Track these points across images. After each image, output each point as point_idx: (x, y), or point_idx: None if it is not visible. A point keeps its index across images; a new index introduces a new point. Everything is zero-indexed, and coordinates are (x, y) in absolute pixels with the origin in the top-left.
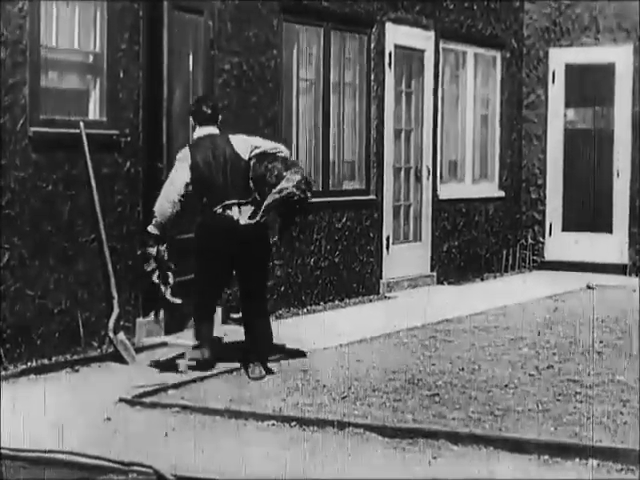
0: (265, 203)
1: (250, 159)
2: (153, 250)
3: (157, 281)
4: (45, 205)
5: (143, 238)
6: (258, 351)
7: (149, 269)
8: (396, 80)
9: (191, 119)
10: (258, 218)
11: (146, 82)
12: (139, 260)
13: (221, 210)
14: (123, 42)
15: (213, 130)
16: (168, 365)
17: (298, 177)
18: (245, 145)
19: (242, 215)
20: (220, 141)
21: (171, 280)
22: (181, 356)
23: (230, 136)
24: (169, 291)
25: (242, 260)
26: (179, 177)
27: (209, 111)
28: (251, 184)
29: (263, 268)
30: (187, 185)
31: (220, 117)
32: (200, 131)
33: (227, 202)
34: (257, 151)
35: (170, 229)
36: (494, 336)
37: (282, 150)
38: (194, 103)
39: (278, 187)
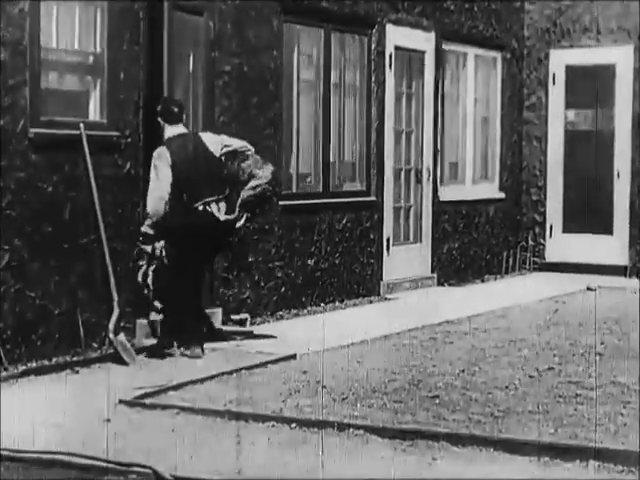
0: (240, 199)
1: (221, 156)
2: (149, 248)
3: (140, 279)
4: (45, 206)
5: (137, 237)
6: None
7: (141, 263)
8: (396, 81)
9: (159, 119)
10: (237, 214)
11: (146, 83)
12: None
13: (202, 207)
14: (123, 43)
15: (182, 129)
16: (156, 351)
17: (269, 175)
18: (215, 143)
19: (220, 211)
20: (192, 139)
21: (150, 282)
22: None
23: (200, 134)
24: (146, 291)
25: (217, 252)
26: (165, 176)
27: (177, 110)
28: (226, 183)
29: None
30: (171, 183)
31: (185, 115)
32: (171, 130)
33: (208, 199)
34: (227, 149)
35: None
36: (494, 338)
37: (250, 148)
38: (161, 103)
39: (251, 184)
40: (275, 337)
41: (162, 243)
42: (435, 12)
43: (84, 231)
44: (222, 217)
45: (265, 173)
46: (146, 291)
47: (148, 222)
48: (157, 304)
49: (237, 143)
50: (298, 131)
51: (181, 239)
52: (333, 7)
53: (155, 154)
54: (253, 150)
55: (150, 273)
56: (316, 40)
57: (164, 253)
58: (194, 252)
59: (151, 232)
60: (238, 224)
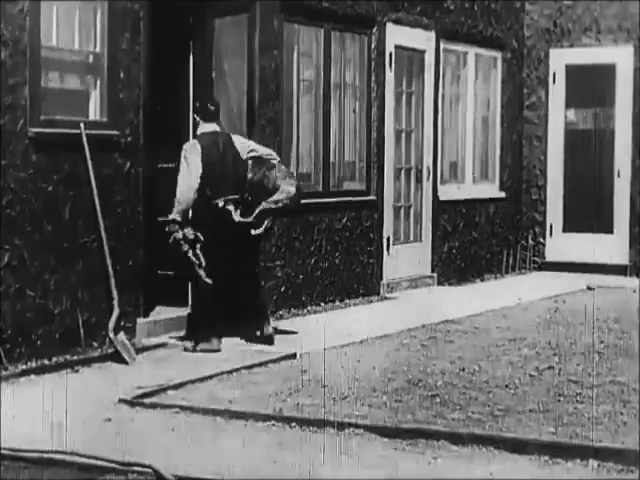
0: (260, 208)
1: (247, 159)
2: (180, 234)
3: (194, 259)
4: (45, 205)
5: (166, 225)
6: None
7: (185, 249)
8: (397, 81)
9: (195, 116)
10: (251, 219)
11: (146, 82)
12: (140, 260)
13: (222, 204)
14: (123, 42)
15: (216, 127)
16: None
17: (293, 190)
18: (243, 146)
19: (236, 211)
20: (224, 138)
21: (202, 260)
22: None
23: (232, 135)
24: (203, 272)
25: (234, 252)
26: (195, 166)
27: (213, 108)
28: (247, 185)
29: (252, 260)
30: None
31: (220, 115)
32: (205, 127)
33: (229, 197)
34: (253, 154)
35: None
36: (494, 337)
37: (275, 157)
38: (199, 100)
39: (274, 197)
40: (297, 332)
41: (190, 229)
42: (435, 11)
43: (84, 230)
44: (237, 218)
45: (288, 187)
46: (197, 269)
47: (177, 208)
48: (209, 280)
49: (263, 150)
50: (298, 130)
51: (201, 230)
52: (333, 6)
53: (186, 146)
54: (279, 159)
55: (199, 252)
56: (316, 39)
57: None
58: (212, 246)
59: (179, 219)
60: (255, 231)
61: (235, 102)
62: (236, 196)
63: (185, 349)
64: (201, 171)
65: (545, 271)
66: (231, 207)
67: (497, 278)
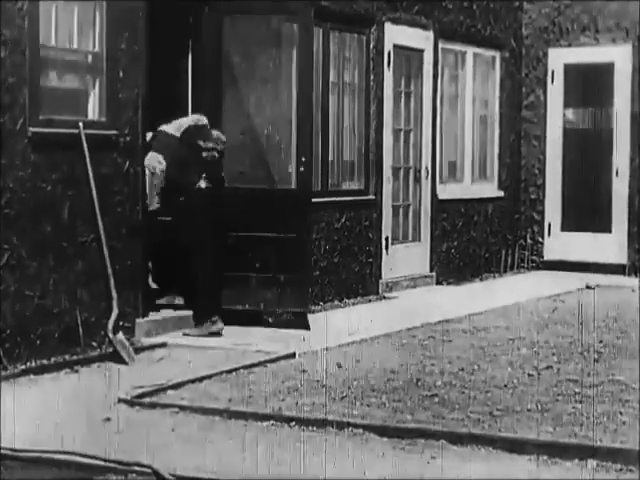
0: (204, 162)
1: (182, 135)
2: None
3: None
4: (44, 205)
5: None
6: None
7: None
8: (395, 80)
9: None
10: (206, 183)
11: (145, 82)
12: (139, 260)
13: (186, 180)
14: (123, 42)
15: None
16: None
17: (210, 143)
18: (175, 127)
19: (200, 179)
20: (162, 136)
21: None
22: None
23: (160, 128)
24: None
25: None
26: (156, 167)
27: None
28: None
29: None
30: (162, 173)
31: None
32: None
33: (198, 176)
34: (183, 128)
35: None
36: (493, 336)
37: (201, 119)
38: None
39: (203, 155)
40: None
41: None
42: (434, 11)
43: (83, 230)
44: (203, 185)
45: (207, 144)
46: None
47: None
48: (154, 285)
49: (191, 119)
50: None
51: (177, 216)
52: (332, 6)
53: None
54: (206, 120)
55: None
56: (315, 39)
57: None
58: (193, 228)
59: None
60: (202, 185)
61: (254, 103)
62: (192, 169)
63: (183, 334)
64: (163, 169)
65: (544, 270)
66: (200, 182)
67: (496, 277)
